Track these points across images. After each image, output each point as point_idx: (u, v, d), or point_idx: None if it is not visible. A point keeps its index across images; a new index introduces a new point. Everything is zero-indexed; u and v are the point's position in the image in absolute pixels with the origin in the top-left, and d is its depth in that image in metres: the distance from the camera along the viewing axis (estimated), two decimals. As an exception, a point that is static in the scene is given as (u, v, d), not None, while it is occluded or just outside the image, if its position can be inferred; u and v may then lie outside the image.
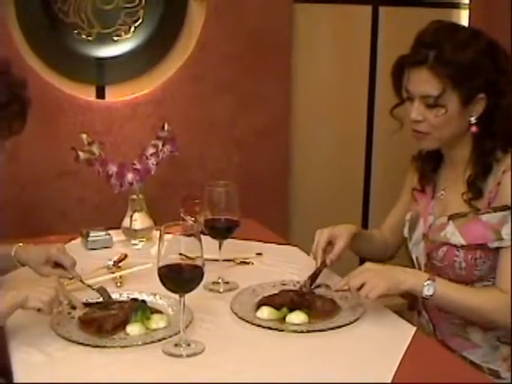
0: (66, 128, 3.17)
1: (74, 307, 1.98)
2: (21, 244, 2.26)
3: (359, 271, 2.07)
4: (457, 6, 3.86)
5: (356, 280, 2.02)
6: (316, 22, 3.61)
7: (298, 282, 2.28)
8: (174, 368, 1.81)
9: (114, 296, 2.16)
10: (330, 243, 2.30)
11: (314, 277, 2.24)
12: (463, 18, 3.84)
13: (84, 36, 3.23)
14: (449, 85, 2.00)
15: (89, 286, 2.19)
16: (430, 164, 2.28)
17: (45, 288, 1.88)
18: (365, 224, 3.89)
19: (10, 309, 1.87)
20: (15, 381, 1.79)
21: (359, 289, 2.00)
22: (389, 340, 1.95)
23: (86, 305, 2.05)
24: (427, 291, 1.99)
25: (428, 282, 1.99)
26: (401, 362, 1.79)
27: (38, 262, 2.20)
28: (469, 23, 3.74)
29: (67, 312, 2.01)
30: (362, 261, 2.55)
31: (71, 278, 2.19)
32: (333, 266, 2.31)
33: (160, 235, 1.82)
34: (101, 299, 2.13)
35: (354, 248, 2.38)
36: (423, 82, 2.03)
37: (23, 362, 1.85)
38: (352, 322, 2.01)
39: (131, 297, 2.14)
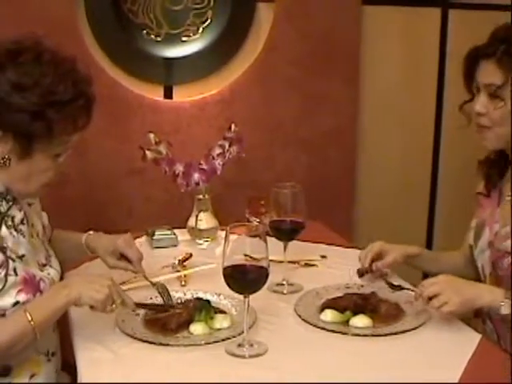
0: (134, 127, 3.20)
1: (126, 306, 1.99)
2: (91, 232, 2.30)
3: (434, 281, 2.03)
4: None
5: (430, 290, 1.99)
6: (384, 25, 3.58)
7: (362, 286, 2.27)
8: (237, 368, 1.81)
9: (178, 295, 2.18)
10: (381, 256, 2.31)
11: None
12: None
13: (153, 36, 3.25)
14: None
15: (151, 282, 2.21)
16: (496, 169, 2.25)
17: (99, 286, 1.89)
18: (430, 228, 3.84)
19: (63, 306, 1.88)
20: (79, 377, 1.81)
21: (431, 298, 1.98)
22: (453, 346, 1.92)
23: (138, 305, 2.07)
24: (504, 310, 1.95)
25: (505, 301, 1.94)
26: (465, 369, 1.77)
27: (106, 252, 2.24)
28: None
29: (131, 310, 2.02)
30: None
31: (135, 272, 2.22)
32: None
33: (226, 235, 1.83)
34: (156, 301, 2.15)
35: (419, 268, 2.37)
36: (490, 72, 2.09)
37: (88, 358, 1.87)
38: (416, 328, 1.99)
39: (195, 296, 2.15)
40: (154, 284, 2.20)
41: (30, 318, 1.82)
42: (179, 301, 2.14)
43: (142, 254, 2.24)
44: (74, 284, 1.91)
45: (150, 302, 2.13)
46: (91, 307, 1.90)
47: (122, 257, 2.23)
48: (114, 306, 1.91)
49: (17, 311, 1.85)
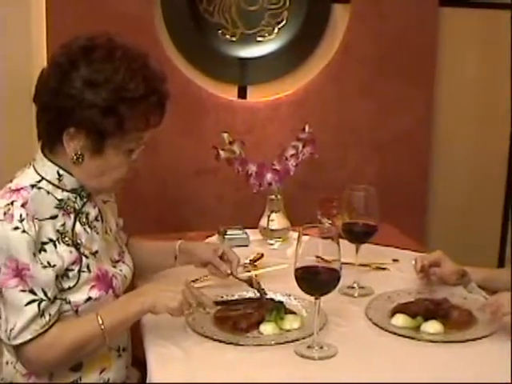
0: (208, 127, 3.21)
1: (203, 307, 2.00)
2: (183, 240, 2.33)
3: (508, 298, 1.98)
4: None
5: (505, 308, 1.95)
6: (462, 27, 3.54)
7: (434, 291, 2.24)
8: (306, 370, 1.81)
9: (249, 295, 2.19)
10: (438, 264, 2.28)
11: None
12: None
13: (228, 36, 3.27)
14: None
15: (244, 280, 2.24)
16: None
17: (173, 293, 1.90)
18: (504, 232, 3.78)
19: (136, 314, 1.91)
20: (149, 373, 1.84)
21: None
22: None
23: (217, 303, 2.08)
24: None
25: None
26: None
27: (206, 250, 2.27)
28: None
29: (210, 309, 2.04)
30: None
31: (229, 275, 2.23)
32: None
33: (298, 236, 1.83)
34: (232, 297, 2.16)
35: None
36: None
37: (158, 355, 1.89)
38: (488, 336, 1.96)
39: (266, 296, 2.15)
40: (246, 280, 2.24)
41: (100, 322, 1.85)
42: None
43: (239, 259, 2.27)
44: (148, 292, 1.92)
45: (221, 300, 2.15)
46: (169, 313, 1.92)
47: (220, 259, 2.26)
48: (191, 310, 1.92)
49: (89, 313, 1.88)
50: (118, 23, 2.82)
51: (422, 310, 2.05)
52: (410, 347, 1.93)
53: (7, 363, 1.99)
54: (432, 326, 1.99)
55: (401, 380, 1.75)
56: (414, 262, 2.31)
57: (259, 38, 3.28)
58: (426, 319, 2.02)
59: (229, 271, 2.23)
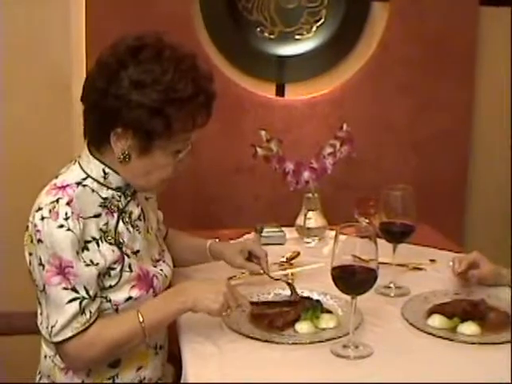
0: (245, 124, 3.22)
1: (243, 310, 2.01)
2: (216, 240, 2.34)
3: None
4: None
5: None
6: (502, 26, 3.50)
7: (472, 292, 2.22)
8: (341, 369, 1.81)
9: (285, 293, 2.19)
10: (476, 265, 2.26)
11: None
12: None
13: (266, 34, 3.27)
14: None
15: (277, 278, 2.25)
16: None
17: (214, 295, 1.89)
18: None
19: (177, 312, 1.92)
20: (184, 370, 1.84)
21: None
22: None
23: (253, 303, 2.08)
24: None
25: None
26: None
27: (234, 251, 2.27)
28: None
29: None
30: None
31: (260, 274, 2.25)
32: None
33: (336, 235, 1.82)
34: (268, 298, 2.17)
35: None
36: None
37: (193, 351, 1.90)
38: (526, 337, 1.94)
39: (302, 295, 2.15)
40: (278, 279, 2.25)
41: (141, 320, 1.86)
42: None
43: (267, 252, 2.27)
44: (189, 292, 1.93)
45: (256, 299, 2.15)
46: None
47: (248, 258, 2.27)
48: (229, 311, 1.93)
49: (130, 311, 1.89)
50: (156, 22, 2.83)
51: (459, 311, 2.04)
52: (447, 348, 1.91)
53: (45, 357, 2.01)
54: (469, 328, 1.98)
55: (436, 381, 1.74)
56: (451, 264, 2.30)
57: (297, 36, 3.28)
58: (463, 320, 2.00)
59: (261, 271, 2.24)
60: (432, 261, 2.55)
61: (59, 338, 1.83)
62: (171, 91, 1.82)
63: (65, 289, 1.81)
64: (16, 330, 2.38)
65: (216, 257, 2.31)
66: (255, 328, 1.98)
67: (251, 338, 1.93)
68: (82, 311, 1.82)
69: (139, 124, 1.83)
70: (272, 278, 2.25)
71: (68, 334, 1.82)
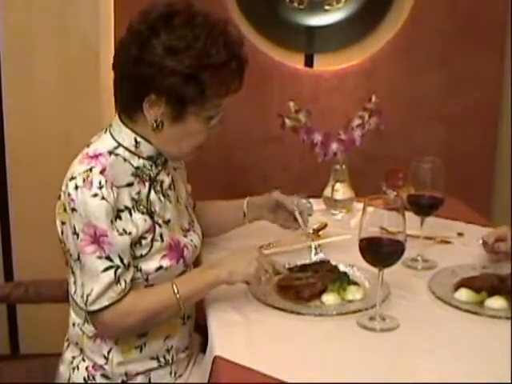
0: (274, 95, 3.21)
1: (278, 273, 2.01)
2: (249, 197, 2.35)
3: None
4: None
5: None
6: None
7: (499, 267, 2.21)
8: (367, 341, 1.81)
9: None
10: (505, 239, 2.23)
11: None
12: None
13: (296, 4, 3.25)
14: None
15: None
16: None
17: (247, 261, 1.91)
18: None
19: (211, 284, 1.92)
20: (210, 338, 1.85)
21: None
22: None
23: (290, 269, 2.08)
24: None
25: None
26: None
27: (270, 208, 2.30)
28: None
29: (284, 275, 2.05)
30: None
31: (297, 228, 2.26)
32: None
33: (364, 207, 1.81)
34: (303, 262, 2.17)
35: None
36: None
37: (219, 320, 1.91)
38: (553, 313, 1.93)
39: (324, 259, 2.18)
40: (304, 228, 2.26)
41: (176, 291, 1.87)
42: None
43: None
44: (222, 264, 1.94)
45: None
46: (246, 283, 1.94)
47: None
48: (267, 275, 1.93)
49: (164, 284, 1.90)
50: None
51: (487, 285, 2.02)
52: (473, 322, 1.90)
53: (74, 325, 2.01)
54: (496, 302, 1.96)
55: (463, 354, 1.74)
56: (481, 242, 2.28)
57: (327, 7, 3.26)
58: (490, 295, 1.99)
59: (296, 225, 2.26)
60: (460, 234, 2.53)
61: (96, 307, 1.84)
62: (204, 57, 1.81)
63: (99, 257, 1.81)
64: (44, 298, 2.40)
65: (254, 209, 2.32)
66: (282, 299, 1.98)
67: (278, 308, 1.93)
68: (117, 280, 1.82)
69: (173, 91, 1.82)
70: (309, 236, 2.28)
71: (104, 302, 1.83)
